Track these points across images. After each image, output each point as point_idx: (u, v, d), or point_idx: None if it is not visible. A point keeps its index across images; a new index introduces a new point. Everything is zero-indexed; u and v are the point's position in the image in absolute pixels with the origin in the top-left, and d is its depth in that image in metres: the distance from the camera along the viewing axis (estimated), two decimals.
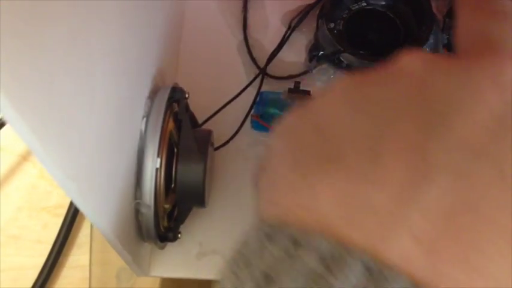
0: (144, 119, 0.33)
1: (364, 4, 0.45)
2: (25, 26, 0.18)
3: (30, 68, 0.19)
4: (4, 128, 0.44)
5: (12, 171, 0.45)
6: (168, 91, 0.34)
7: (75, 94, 0.23)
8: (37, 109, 0.20)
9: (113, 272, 0.41)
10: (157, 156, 0.32)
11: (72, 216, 0.43)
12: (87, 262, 0.42)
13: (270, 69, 0.43)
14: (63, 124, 0.22)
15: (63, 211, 0.43)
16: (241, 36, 0.45)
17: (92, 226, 0.43)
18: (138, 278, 0.40)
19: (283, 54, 0.44)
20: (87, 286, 0.41)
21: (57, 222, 0.42)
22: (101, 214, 0.27)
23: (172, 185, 0.33)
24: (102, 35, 0.25)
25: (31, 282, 0.41)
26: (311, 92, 0.40)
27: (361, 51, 0.42)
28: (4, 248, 0.43)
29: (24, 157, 0.46)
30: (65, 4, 0.21)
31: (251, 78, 0.42)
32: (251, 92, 0.41)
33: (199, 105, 0.38)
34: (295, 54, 0.44)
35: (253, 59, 0.44)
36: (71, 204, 0.43)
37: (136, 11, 0.31)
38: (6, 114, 0.18)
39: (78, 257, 0.42)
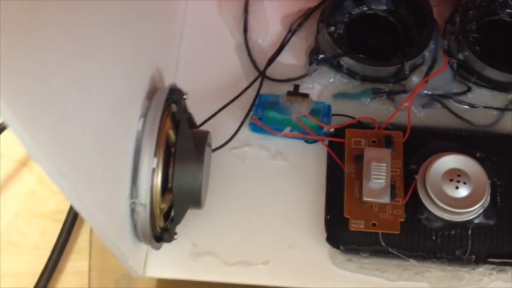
0: (142, 119, 0.33)
1: (365, 8, 0.45)
2: (21, 24, 0.18)
3: (25, 65, 0.19)
4: (2, 134, 0.44)
5: (10, 177, 0.45)
6: (166, 91, 0.34)
7: (70, 93, 0.23)
8: (31, 107, 0.20)
9: (112, 278, 0.41)
10: (154, 156, 0.32)
11: (71, 222, 0.43)
12: (86, 268, 0.42)
13: (270, 72, 0.43)
14: (58, 122, 0.22)
15: (61, 217, 0.43)
16: (241, 39, 0.45)
17: (91, 232, 0.43)
18: (137, 284, 0.40)
19: (283, 57, 0.44)
20: None
21: (56, 228, 0.43)
22: (96, 213, 0.27)
23: (169, 186, 0.33)
24: (99, 34, 0.25)
25: None
26: (309, 95, 0.40)
27: (361, 56, 0.42)
28: (2, 254, 0.43)
29: (23, 163, 0.46)
30: (61, 3, 0.21)
31: (250, 81, 0.42)
32: (250, 94, 0.41)
33: (198, 107, 0.38)
34: (295, 58, 0.44)
35: (253, 62, 0.44)
36: (70, 210, 0.43)
37: (134, 10, 0.32)
38: (0, 112, 0.18)
39: (77, 263, 0.42)
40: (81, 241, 0.43)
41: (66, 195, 0.24)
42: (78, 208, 0.25)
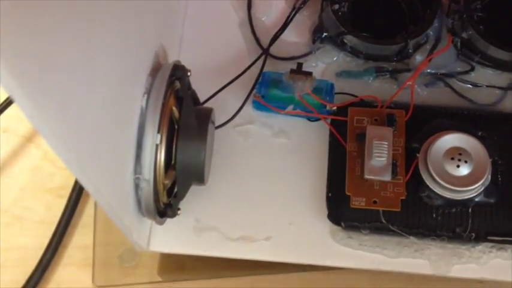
0: (145, 95, 0.33)
1: None
2: None
3: (30, 38, 0.19)
4: (7, 110, 0.44)
5: (16, 152, 0.46)
6: (170, 68, 0.34)
7: (75, 66, 0.23)
8: (37, 80, 0.20)
9: (116, 253, 0.41)
10: (158, 132, 0.32)
11: (76, 198, 0.43)
12: (90, 243, 0.42)
13: (273, 50, 0.43)
14: (63, 96, 0.22)
15: (66, 192, 0.43)
16: (245, 16, 0.45)
17: (95, 207, 0.43)
18: (141, 259, 0.41)
19: (287, 35, 0.44)
20: (91, 266, 0.42)
21: (61, 203, 0.43)
22: (101, 187, 0.27)
23: (173, 162, 0.34)
24: (103, 8, 0.25)
25: (35, 262, 0.42)
26: (313, 74, 0.40)
27: (365, 34, 0.42)
28: (8, 228, 0.43)
29: (28, 138, 0.46)
30: None
31: (254, 58, 0.42)
32: (253, 72, 0.41)
33: (202, 84, 0.38)
34: (298, 35, 0.44)
35: (257, 39, 0.44)
36: (75, 185, 0.43)
37: None
38: (6, 85, 0.18)
39: (81, 238, 0.43)
40: (85, 216, 0.44)
41: (71, 169, 0.24)
42: (83, 182, 0.26)
